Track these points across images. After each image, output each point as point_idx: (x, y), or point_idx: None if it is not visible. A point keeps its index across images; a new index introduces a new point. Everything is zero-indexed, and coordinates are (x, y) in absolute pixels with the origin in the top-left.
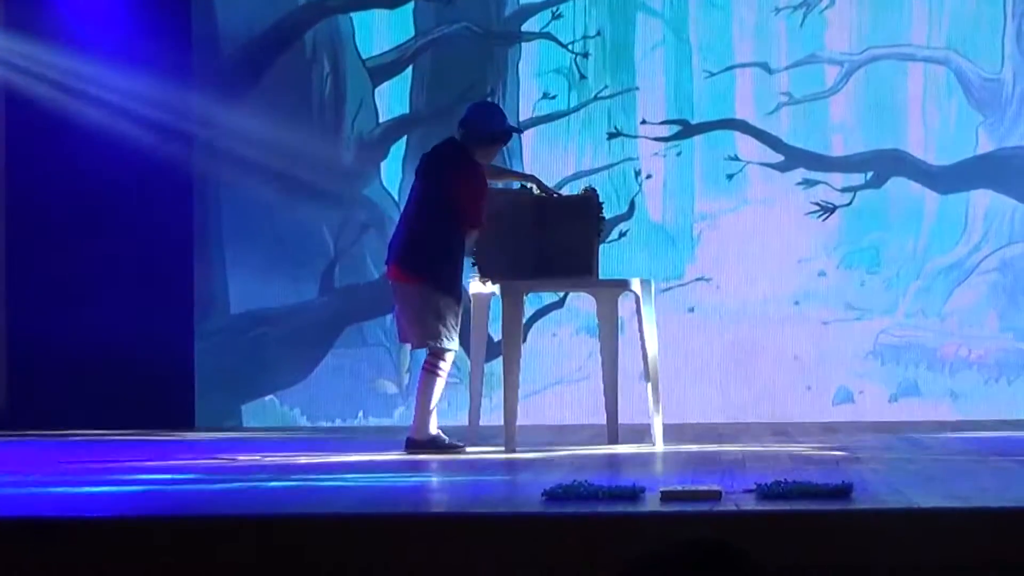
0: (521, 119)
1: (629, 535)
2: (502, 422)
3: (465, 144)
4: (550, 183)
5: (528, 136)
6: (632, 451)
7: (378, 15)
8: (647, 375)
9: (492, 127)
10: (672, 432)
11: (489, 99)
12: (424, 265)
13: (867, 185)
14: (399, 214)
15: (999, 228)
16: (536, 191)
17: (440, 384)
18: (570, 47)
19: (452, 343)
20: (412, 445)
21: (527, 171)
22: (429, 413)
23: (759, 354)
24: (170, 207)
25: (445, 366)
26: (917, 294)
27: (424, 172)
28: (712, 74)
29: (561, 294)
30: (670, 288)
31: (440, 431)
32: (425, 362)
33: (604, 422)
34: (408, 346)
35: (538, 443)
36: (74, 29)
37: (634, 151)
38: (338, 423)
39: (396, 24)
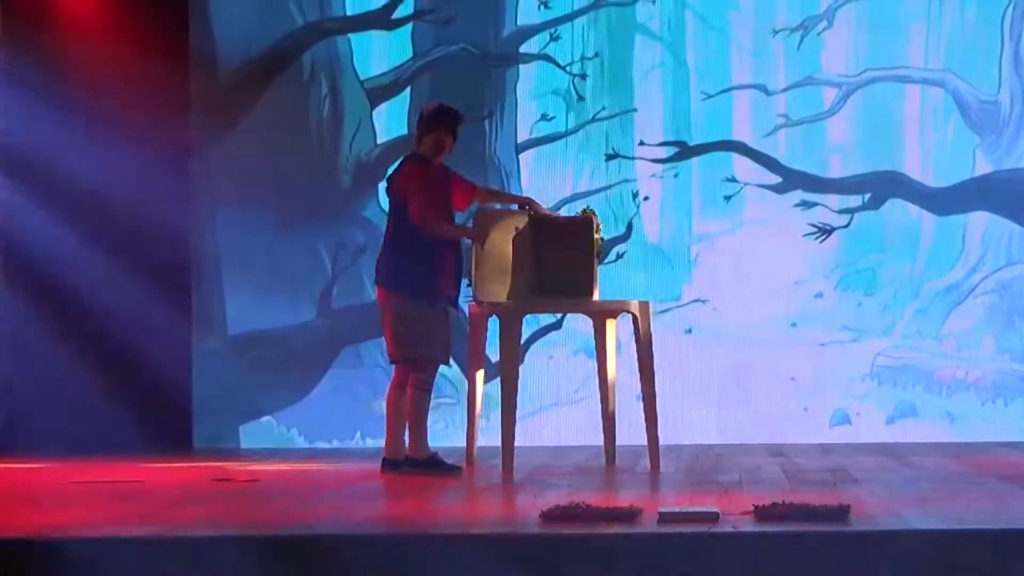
0: (519, 140)
1: (626, 556)
2: (500, 443)
3: (416, 149)
4: (547, 204)
5: (526, 157)
6: (629, 472)
7: (376, 36)
8: (644, 396)
9: (424, 120)
10: (669, 453)
11: (487, 121)
12: (389, 278)
13: (864, 207)
14: None
15: (996, 250)
16: (532, 213)
17: (427, 399)
18: (568, 68)
19: (427, 352)
20: (411, 464)
21: (524, 193)
22: (423, 429)
23: (756, 375)
24: (168, 228)
25: (429, 379)
26: (914, 316)
27: (387, 188)
28: (710, 96)
29: (559, 315)
30: (668, 309)
31: (434, 451)
32: (411, 379)
33: (602, 443)
34: None
35: (536, 464)
36: (73, 49)
37: (632, 172)
38: (335, 444)
39: (394, 45)
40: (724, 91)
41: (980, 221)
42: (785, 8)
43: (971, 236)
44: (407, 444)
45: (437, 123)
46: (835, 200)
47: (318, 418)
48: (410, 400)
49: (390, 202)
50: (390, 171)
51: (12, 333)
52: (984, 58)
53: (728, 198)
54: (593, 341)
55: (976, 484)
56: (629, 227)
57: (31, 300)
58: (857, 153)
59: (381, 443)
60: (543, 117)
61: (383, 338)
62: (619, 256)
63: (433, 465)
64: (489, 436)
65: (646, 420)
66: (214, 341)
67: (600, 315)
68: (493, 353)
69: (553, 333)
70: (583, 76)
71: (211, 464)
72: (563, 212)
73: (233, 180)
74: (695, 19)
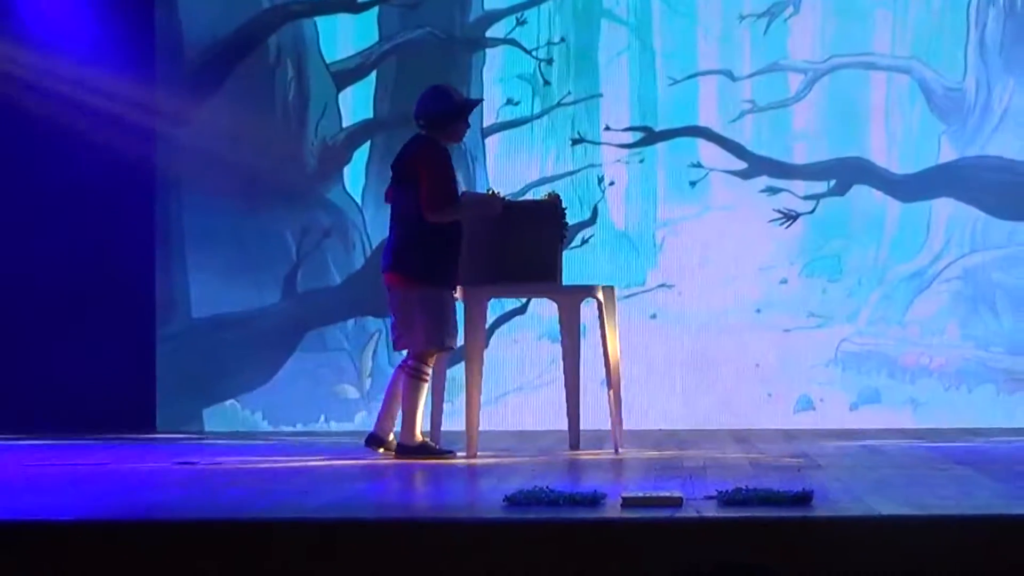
0: (485, 125)
1: (590, 541)
2: (464, 427)
3: (429, 134)
4: (513, 189)
5: (492, 142)
6: (593, 457)
7: (342, 20)
8: (609, 381)
9: (443, 107)
10: (633, 438)
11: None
12: (404, 266)
13: (830, 193)
14: (362, 219)
15: (961, 237)
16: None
17: (424, 388)
18: (534, 53)
19: (449, 342)
20: (402, 451)
21: (490, 177)
22: (416, 417)
23: (721, 361)
24: (132, 210)
25: (428, 369)
26: (879, 302)
27: (395, 173)
28: (676, 81)
29: (524, 300)
30: (632, 295)
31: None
32: (407, 366)
33: (566, 428)
34: (369, 350)
35: (500, 449)
36: (38, 31)
37: (597, 158)
38: (299, 427)
39: (360, 29)
40: (690, 77)
41: (945, 208)
42: None
43: (936, 223)
44: (399, 429)
45: (461, 113)
46: (801, 186)
47: (282, 402)
48: (407, 388)
49: (404, 187)
50: (400, 158)
51: None
52: (950, 45)
53: (694, 184)
54: (558, 326)
55: (939, 470)
56: (594, 212)
57: None
58: (823, 139)
59: (345, 426)
60: (509, 102)
61: (353, 324)
62: (584, 241)
63: (424, 451)
64: (453, 420)
65: (610, 405)
66: (178, 324)
67: (565, 300)
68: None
69: (518, 317)
70: (549, 61)
71: (174, 447)
72: (528, 197)
73: (198, 163)
74: (661, 4)
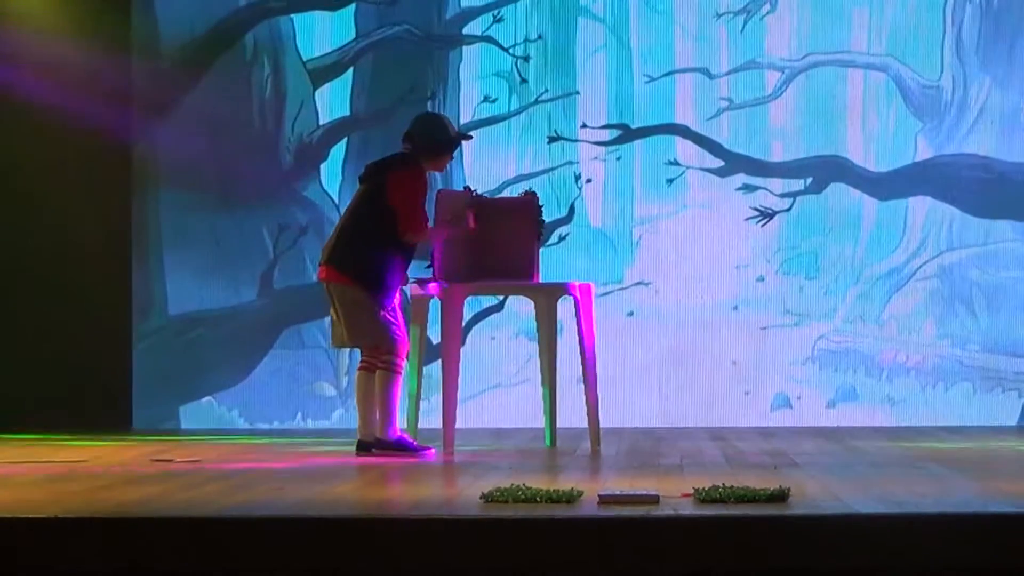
0: (462, 122)
1: (567, 539)
2: (440, 425)
3: (415, 155)
4: (490, 186)
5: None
6: (570, 455)
7: (319, 17)
8: (586, 379)
9: (438, 136)
10: (610, 436)
11: (430, 103)
12: (360, 267)
13: (806, 191)
14: (338, 215)
15: (937, 235)
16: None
17: (399, 382)
18: (511, 51)
19: (396, 333)
20: (380, 446)
21: (467, 174)
22: (393, 413)
23: (697, 359)
24: (109, 208)
25: (398, 361)
26: (855, 300)
27: (367, 177)
28: (653, 79)
29: (500, 297)
30: (609, 292)
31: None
32: (379, 362)
33: (542, 425)
34: (346, 349)
35: (476, 446)
36: (13, 29)
37: (574, 155)
38: (276, 425)
39: (337, 26)
40: (667, 74)
41: (922, 206)
42: None
43: (912, 221)
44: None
45: (452, 147)
46: (777, 184)
47: (259, 399)
48: (379, 382)
49: (371, 196)
50: (375, 163)
51: None
52: (926, 44)
53: (671, 181)
54: (535, 323)
55: (916, 468)
56: (571, 210)
57: None
58: (799, 137)
59: (322, 424)
60: (486, 99)
61: (329, 321)
62: (561, 238)
63: (401, 447)
64: (430, 418)
65: (587, 403)
66: (154, 321)
67: (542, 297)
68: (434, 335)
69: (495, 315)
70: (526, 58)
71: (151, 445)
72: (505, 194)
73: (175, 160)
74: (638, 2)
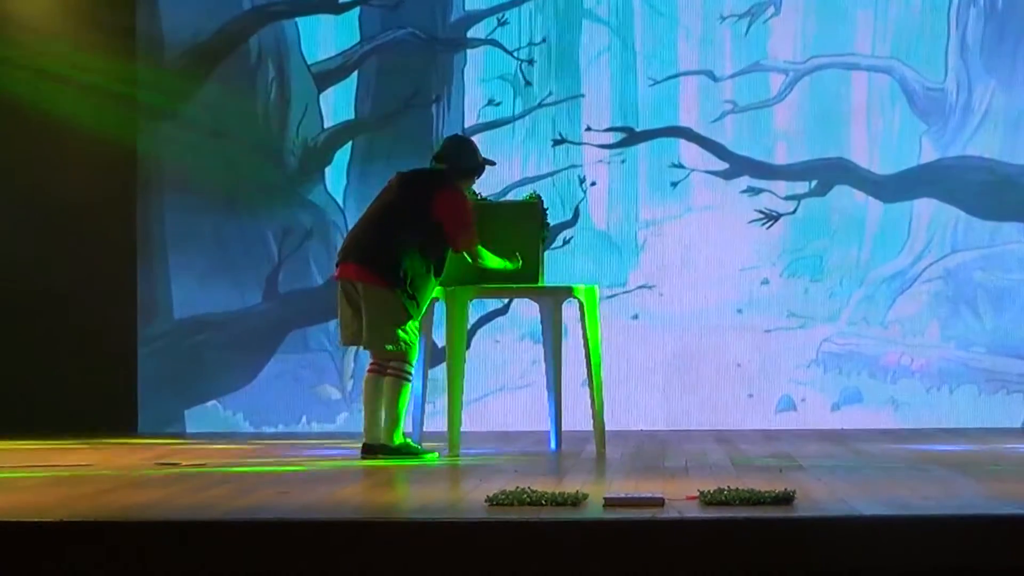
0: (466, 125)
1: (572, 542)
2: (446, 428)
3: (452, 175)
4: (494, 190)
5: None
6: (575, 458)
7: (324, 20)
8: (591, 382)
9: (471, 162)
10: (615, 439)
11: (434, 106)
12: (399, 275)
13: (811, 193)
14: (343, 219)
15: (942, 237)
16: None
17: (408, 388)
18: (515, 54)
19: (409, 345)
20: (385, 451)
21: None
22: (401, 419)
23: (702, 362)
24: (114, 212)
25: (411, 368)
26: (860, 303)
27: (407, 187)
28: (657, 82)
29: (505, 300)
30: (614, 295)
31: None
32: (389, 367)
33: (547, 428)
34: (352, 351)
35: (481, 449)
36: (18, 32)
37: (579, 158)
38: (281, 428)
39: (342, 29)
40: (671, 77)
41: (926, 208)
42: None
43: (917, 223)
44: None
45: (478, 175)
46: (782, 186)
47: (264, 402)
48: (388, 388)
49: (416, 210)
50: (414, 176)
51: None
52: (931, 46)
53: (675, 184)
54: (539, 326)
55: (921, 471)
56: (576, 212)
57: None
58: (804, 140)
59: (326, 427)
60: (490, 102)
61: (334, 325)
62: (566, 242)
63: (406, 452)
64: (435, 421)
65: (592, 406)
66: (159, 325)
67: (547, 300)
68: (439, 338)
69: (499, 318)
70: (530, 61)
71: (156, 449)
72: (510, 197)
73: (179, 163)
74: (643, 5)
